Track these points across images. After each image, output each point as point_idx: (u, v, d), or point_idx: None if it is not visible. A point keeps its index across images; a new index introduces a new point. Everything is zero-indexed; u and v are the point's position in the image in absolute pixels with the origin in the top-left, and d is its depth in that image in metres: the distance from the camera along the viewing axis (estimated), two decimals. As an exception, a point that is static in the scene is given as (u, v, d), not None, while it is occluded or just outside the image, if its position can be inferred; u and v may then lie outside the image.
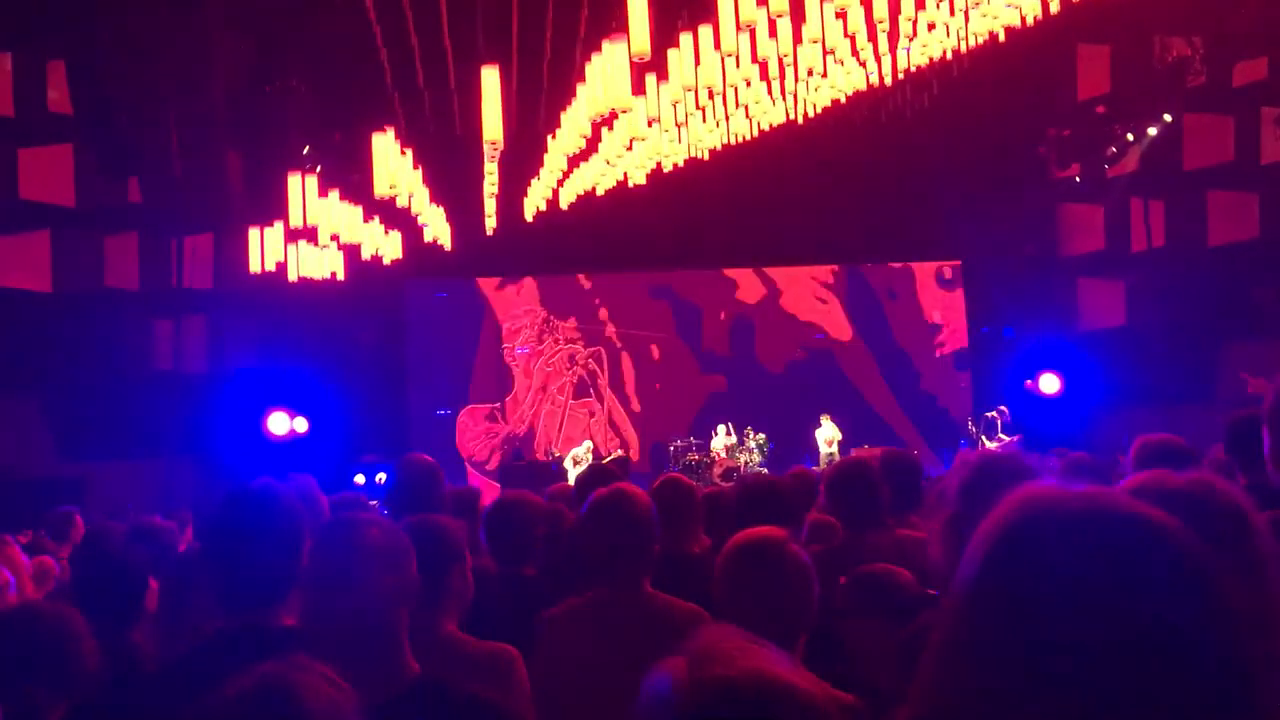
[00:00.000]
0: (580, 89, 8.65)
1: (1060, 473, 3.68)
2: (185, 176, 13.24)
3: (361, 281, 13.88)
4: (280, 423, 15.11)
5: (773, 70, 9.24)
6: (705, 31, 7.47)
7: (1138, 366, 14.49)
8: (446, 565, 2.59)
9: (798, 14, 7.38)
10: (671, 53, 7.92)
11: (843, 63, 9.55)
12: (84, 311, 14.05)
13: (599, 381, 17.57)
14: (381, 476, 13.61)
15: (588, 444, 15.51)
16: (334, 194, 10.93)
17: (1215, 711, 0.92)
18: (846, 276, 17.78)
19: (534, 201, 12.41)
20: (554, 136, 10.40)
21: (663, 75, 8.33)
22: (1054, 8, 8.69)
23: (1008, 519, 1.01)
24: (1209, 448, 4.37)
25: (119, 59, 11.90)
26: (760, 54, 7.75)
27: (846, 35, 8.46)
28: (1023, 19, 8.90)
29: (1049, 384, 15.47)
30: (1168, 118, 14.37)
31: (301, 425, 15.21)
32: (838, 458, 12.19)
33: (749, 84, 9.12)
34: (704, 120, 10.46)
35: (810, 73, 9.58)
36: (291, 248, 11.71)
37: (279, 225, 11.26)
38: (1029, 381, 15.55)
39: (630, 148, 10.13)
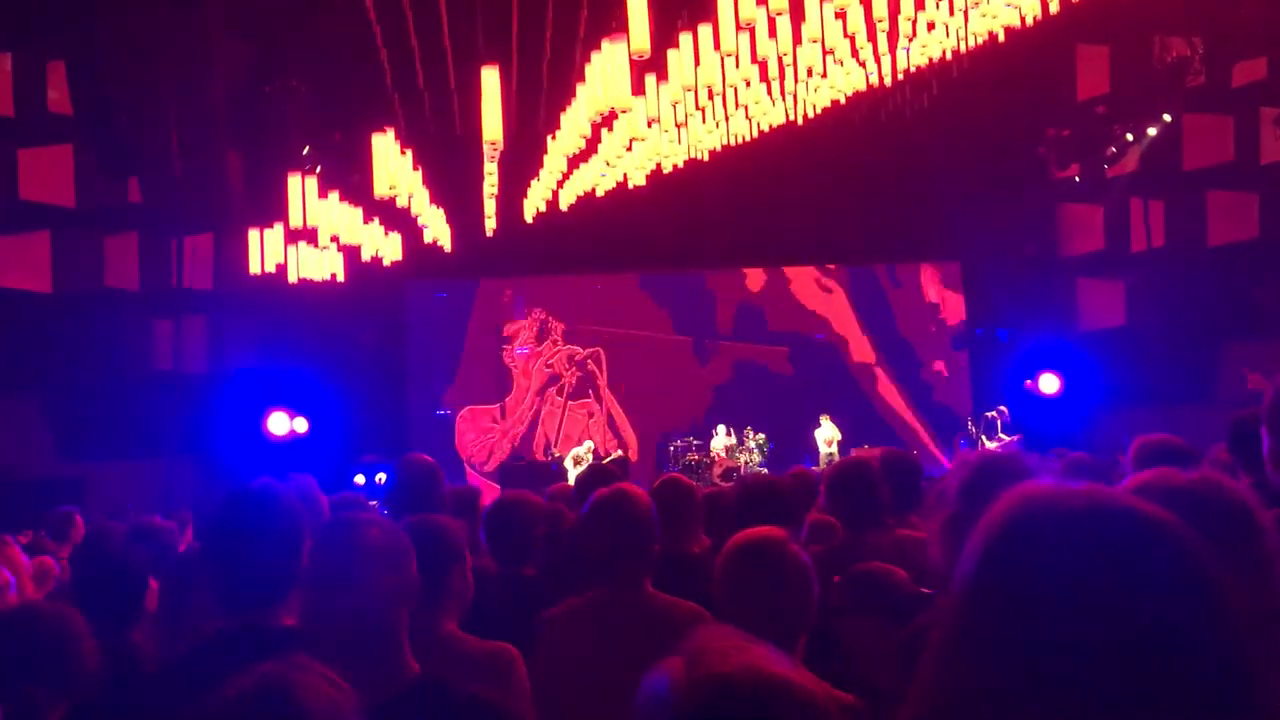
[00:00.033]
0: (580, 89, 8.64)
1: (1060, 473, 3.68)
2: (185, 176, 13.22)
3: (361, 282, 13.86)
4: (280, 423, 15.10)
5: (772, 70, 9.23)
6: (705, 31, 7.45)
7: (1137, 366, 14.46)
8: (446, 565, 2.59)
9: (797, 14, 7.37)
10: (671, 53, 7.91)
11: (842, 63, 9.53)
12: (84, 311, 14.02)
13: (598, 382, 17.55)
14: (381, 477, 13.60)
15: (589, 444, 15.50)
16: (334, 195, 10.92)
17: (1215, 711, 0.91)
18: (848, 276, 17.78)
19: (534, 202, 12.40)
20: (554, 137, 10.39)
21: (662, 75, 8.32)
22: (1054, 8, 8.69)
23: (1006, 516, 1.01)
24: (1209, 448, 4.36)
25: (119, 59, 11.88)
26: (760, 54, 7.74)
27: (846, 35, 8.44)
28: (1022, 19, 8.89)
29: (1049, 384, 15.47)
30: (1167, 118, 14.34)
31: (301, 425, 15.21)
32: (837, 458, 12.19)
33: (749, 84, 9.11)
34: (704, 121, 10.45)
35: (810, 73, 9.56)
36: (291, 249, 11.70)
37: (279, 226, 11.26)
38: (1029, 381, 15.55)
39: (630, 148, 10.12)
